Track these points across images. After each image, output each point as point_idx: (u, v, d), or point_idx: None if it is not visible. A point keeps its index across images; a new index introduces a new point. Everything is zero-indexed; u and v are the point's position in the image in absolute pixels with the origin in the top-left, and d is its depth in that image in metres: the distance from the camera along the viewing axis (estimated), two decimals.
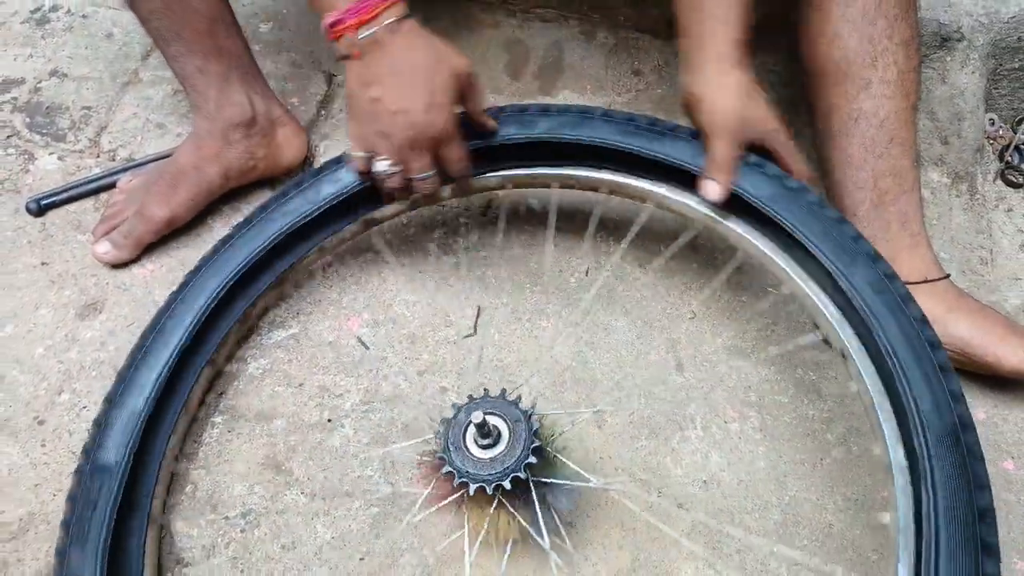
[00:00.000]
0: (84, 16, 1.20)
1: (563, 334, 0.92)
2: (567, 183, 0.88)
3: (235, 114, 0.92)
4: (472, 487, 0.64)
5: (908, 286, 0.87)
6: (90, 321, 0.91)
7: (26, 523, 0.77)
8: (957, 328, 0.87)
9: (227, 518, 0.77)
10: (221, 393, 0.86)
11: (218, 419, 0.84)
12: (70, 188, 1.00)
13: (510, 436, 0.67)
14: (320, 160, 1.07)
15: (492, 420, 0.67)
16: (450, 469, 0.65)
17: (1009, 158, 1.14)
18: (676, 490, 0.81)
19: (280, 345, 0.89)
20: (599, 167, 0.85)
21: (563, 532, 0.73)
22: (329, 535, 0.76)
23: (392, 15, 0.71)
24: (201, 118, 0.92)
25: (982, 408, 0.92)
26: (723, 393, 0.89)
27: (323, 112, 1.12)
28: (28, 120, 1.09)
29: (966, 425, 0.64)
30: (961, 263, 1.04)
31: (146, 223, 0.92)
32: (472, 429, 0.66)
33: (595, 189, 0.87)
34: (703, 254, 0.98)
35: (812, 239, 0.73)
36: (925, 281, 0.88)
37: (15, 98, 1.11)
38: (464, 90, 0.75)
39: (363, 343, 0.90)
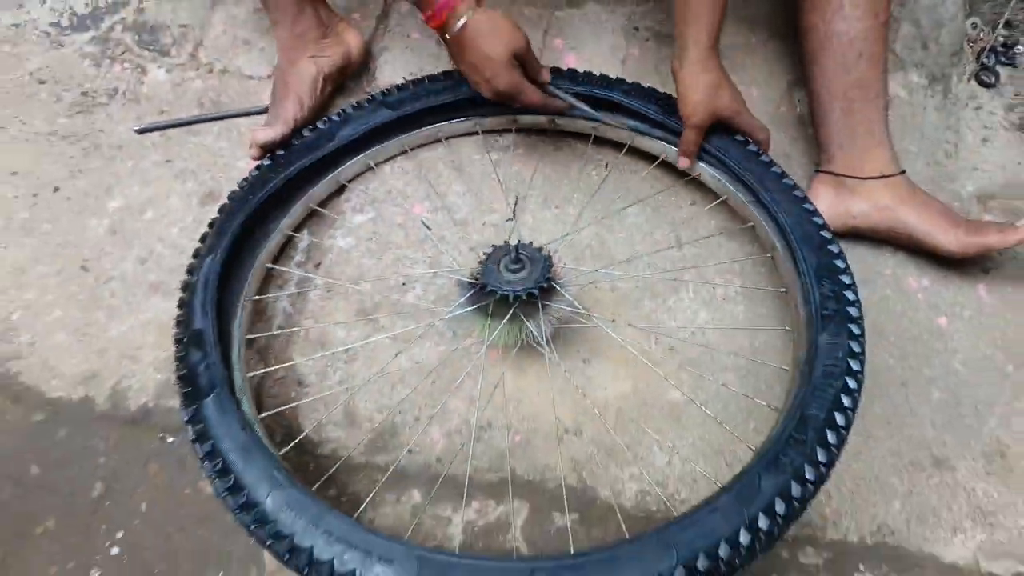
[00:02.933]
0: None
1: (585, 218, 1.14)
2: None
3: (308, 24, 1.13)
4: (498, 293, 0.91)
5: (867, 180, 1.08)
6: (210, 207, 1.15)
7: None
8: (906, 216, 1.07)
9: (333, 353, 1.04)
10: (319, 264, 1.11)
11: (319, 281, 1.09)
12: (165, 126, 1.21)
13: (531, 267, 0.93)
14: (380, 67, 1.27)
15: (523, 255, 0.93)
16: (484, 282, 0.92)
17: (985, 60, 1.28)
18: (669, 338, 1.06)
19: (362, 227, 1.13)
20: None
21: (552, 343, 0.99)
22: (408, 364, 1.03)
23: (467, 5, 0.97)
24: (282, 30, 1.12)
25: (927, 277, 1.14)
26: (713, 265, 1.12)
27: (381, 26, 1.30)
28: (136, 38, 1.29)
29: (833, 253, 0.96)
30: (927, 155, 1.22)
31: (280, 106, 1.12)
32: (505, 260, 0.92)
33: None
34: None
35: (758, 184, 1.03)
36: (881, 176, 1.07)
37: (123, 18, 1.31)
38: (521, 57, 1.01)
39: (426, 225, 1.13)
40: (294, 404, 1.00)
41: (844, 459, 0.98)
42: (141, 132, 1.21)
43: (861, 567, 0.95)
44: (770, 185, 1.02)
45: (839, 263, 0.95)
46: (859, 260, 1.13)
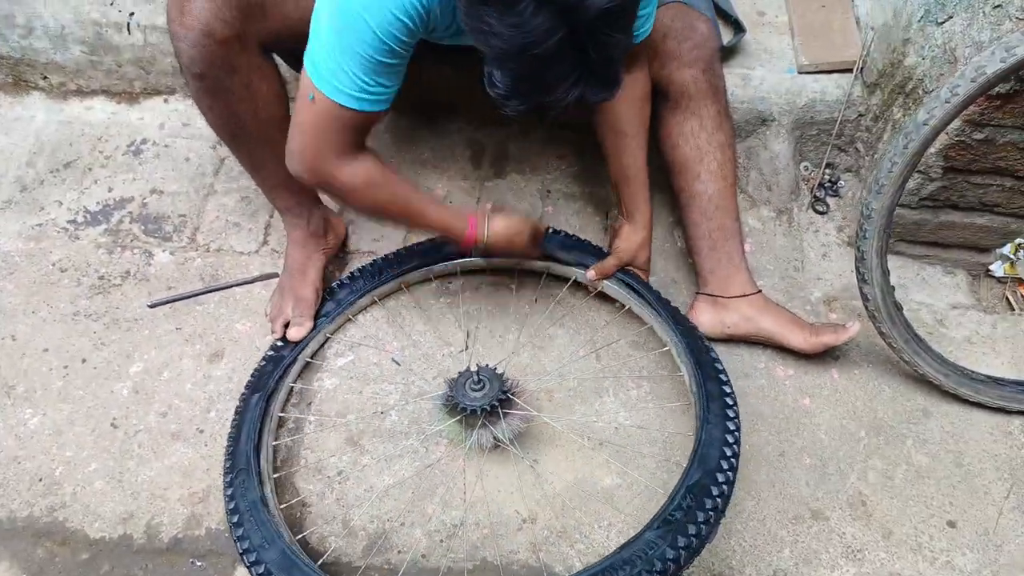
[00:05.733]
0: (166, 146, 1.67)
1: (523, 343, 1.43)
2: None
3: (316, 227, 1.42)
4: (469, 409, 1.19)
5: (733, 299, 1.40)
6: (217, 364, 1.40)
7: (207, 492, 1.26)
8: (764, 323, 1.40)
9: (328, 476, 1.27)
10: (310, 403, 1.36)
11: (311, 419, 1.34)
12: (173, 299, 1.47)
13: (489, 385, 1.20)
14: (351, 236, 1.57)
15: (483, 376, 1.22)
16: (456, 401, 1.20)
17: (817, 193, 1.67)
18: (598, 435, 1.33)
19: (344, 368, 1.40)
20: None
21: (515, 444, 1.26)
22: (391, 481, 1.27)
23: (484, 218, 1.29)
24: (296, 231, 1.41)
25: (791, 367, 1.45)
26: (627, 372, 1.41)
27: None
28: (143, 228, 1.57)
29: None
30: (781, 271, 1.57)
31: (305, 301, 1.39)
32: (469, 382, 1.20)
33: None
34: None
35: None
36: (743, 295, 1.40)
37: (130, 212, 1.59)
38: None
39: (396, 361, 1.40)
40: (299, 529, 1.22)
41: (743, 517, 1.27)
42: (153, 306, 1.46)
43: None
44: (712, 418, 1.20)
45: (722, 473, 1.12)
46: (739, 358, 1.44)
